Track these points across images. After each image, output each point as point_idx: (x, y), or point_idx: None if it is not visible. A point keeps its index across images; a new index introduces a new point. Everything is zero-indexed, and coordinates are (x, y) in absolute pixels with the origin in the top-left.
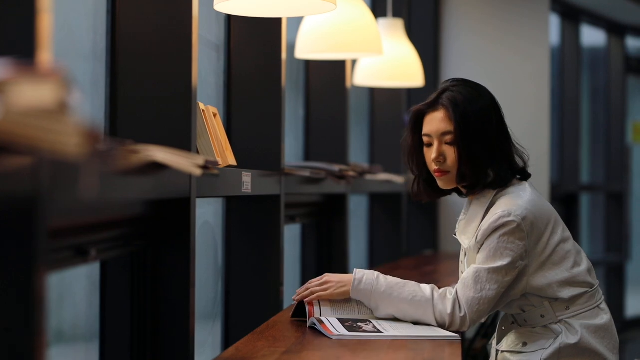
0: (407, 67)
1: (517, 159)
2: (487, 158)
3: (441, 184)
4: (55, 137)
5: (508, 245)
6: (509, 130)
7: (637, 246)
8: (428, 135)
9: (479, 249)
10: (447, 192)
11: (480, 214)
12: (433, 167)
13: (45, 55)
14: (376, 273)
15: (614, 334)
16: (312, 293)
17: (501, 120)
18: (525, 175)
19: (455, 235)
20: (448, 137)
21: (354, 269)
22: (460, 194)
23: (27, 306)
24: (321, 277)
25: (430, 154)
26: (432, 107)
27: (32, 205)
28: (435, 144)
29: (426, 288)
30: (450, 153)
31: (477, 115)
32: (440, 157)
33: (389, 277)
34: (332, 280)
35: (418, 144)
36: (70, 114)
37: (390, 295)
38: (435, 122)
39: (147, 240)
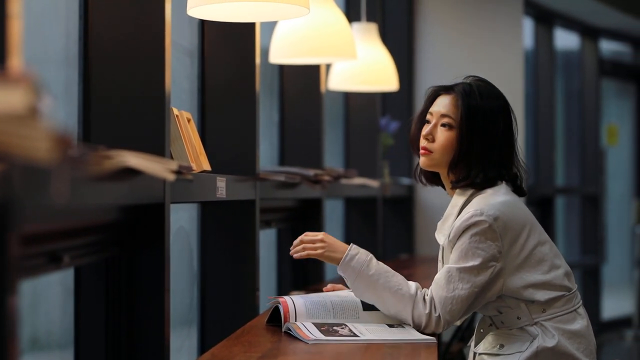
0: (382, 71)
1: (515, 171)
2: (482, 156)
3: (422, 161)
4: (26, 143)
5: (479, 245)
6: (516, 143)
7: (613, 248)
8: (430, 114)
9: (452, 247)
10: (438, 183)
11: (455, 212)
12: (421, 143)
13: (16, 60)
14: (370, 255)
15: (590, 339)
16: (304, 250)
17: (509, 128)
18: (518, 191)
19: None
20: (446, 119)
21: (351, 244)
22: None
23: None
24: (318, 233)
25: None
26: (446, 90)
27: (3, 211)
28: (432, 122)
29: (412, 285)
30: (441, 136)
31: (485, 113)
32: (430, 135)
33: (381, 263)
34: (327, 241)
35: (422, 123)
36: (41, 119)
37: (377, 282)
38: (441, 104)
39: (121, 246)
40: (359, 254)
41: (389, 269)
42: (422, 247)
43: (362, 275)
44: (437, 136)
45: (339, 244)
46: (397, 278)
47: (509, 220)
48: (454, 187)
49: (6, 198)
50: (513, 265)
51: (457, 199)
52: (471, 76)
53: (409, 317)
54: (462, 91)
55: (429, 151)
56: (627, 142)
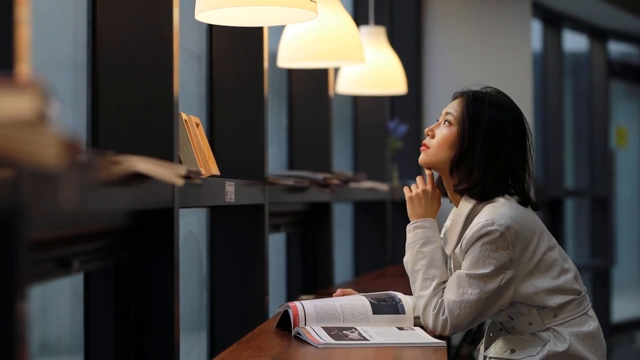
0: (390, 74)
1: (522, 187)
2: (484, 161)
3: (420, 158)
4: (35, 148)
5: (490, 254)
6: (529, 159)
7: (623, 250)
8: (442, 114)
9: (464, 256)
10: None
11: (461, 222)
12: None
13: (24, 66)
14: (438, 240)
15: (601, 340)
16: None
17: (519, 140)
18: (526, 202)
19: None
20: (448, 117)
21: (429, 219)
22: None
23: (9, 319)
24: (424, 189)
25: None
26: (461, 94)
27: (12, 217)
28: (439, 121)
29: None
30: (439, 132)
31: (491, 120)
32: (430, 132)
33: (439, 252)
34: (421, 198)
35: None
36: (49, 125)
37: (420, 260)
38: (450, 104)
39: (131, 251)
40: (429, 229)
41: (442, 261)
42: None
43: (415, 246)
44: (437, 134)
45: (431, 209)
46: (439, 271)
47: (520, 229)
48: (455, 191)
49: (15, 204)
50: (524, 272)
51: (462, 209)
52: (490, 87)
53: (421, 310)
54: (471, 94)
55: (426, 147)
56: (636, 143)
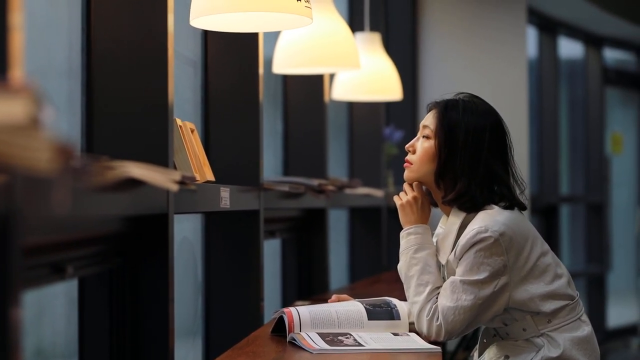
0: (385, 80)
1: (506, 191)
2: (466, 170)
3: (405, 175)
4: (28, 153)
5: (485, 260)
6: (510, 160)
7: (618, 256)
8: (419, 127)
9: (457, 263)
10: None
11: (455, 230)
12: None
13: (18, 71)
14: (431, 247)
15: (595, 345)
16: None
17: (498, 143)
18: (514, 204)
19: None
20: (425, 131)
21: (426, 225)
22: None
23: (3, 325)
24: (414, 195)
25: None
26: (436, 104)
27: (5, 222)
28: (417, 135)
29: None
30: (419, 147)
31: (467, 127)
32: (411, 147)
33: (432, 257)
34: (412, 205)
35: None
36: (42, 130)
37: (413, 266)
38: (426, 117)
39: (125, 257)
40: (422, 236)
41: (435, 267)
42: None
43: (409, 252)
44: (417, 148)
45: (423, 215)
46: (432, 277)
47: (514, 235)
48: (444, 203)
49: (8, 209)
50: (518, 278)
51: (455, 217)
52: (463, 93)
53: (415, 316)
54: (444, 104)
55: (409, 163)
56: (632, 150)
